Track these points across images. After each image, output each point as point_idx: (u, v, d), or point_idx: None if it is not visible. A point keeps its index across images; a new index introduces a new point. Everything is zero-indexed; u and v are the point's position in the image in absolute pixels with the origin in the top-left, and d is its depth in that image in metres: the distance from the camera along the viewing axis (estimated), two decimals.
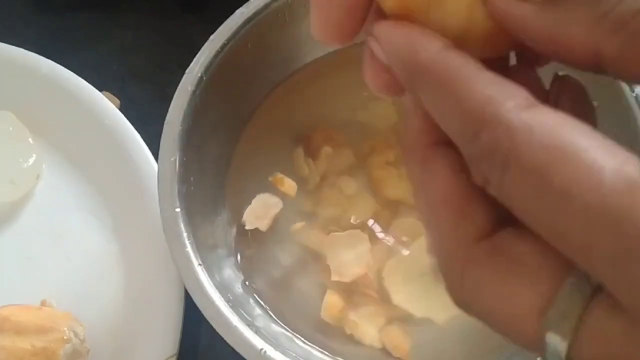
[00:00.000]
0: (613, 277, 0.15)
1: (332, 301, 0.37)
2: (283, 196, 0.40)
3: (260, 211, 0.40)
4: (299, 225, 0.40)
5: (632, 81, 0.18)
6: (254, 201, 0.40)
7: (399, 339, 0.37)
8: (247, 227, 0.39)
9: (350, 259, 0.38)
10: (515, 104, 0.16)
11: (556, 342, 0.16)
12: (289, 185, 0.39)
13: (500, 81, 0.17)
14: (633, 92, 0.36)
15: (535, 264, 0.17)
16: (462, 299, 0.19)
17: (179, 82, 0.37)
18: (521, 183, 0.16)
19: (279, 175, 0.40)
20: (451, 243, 0.19)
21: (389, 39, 0.19)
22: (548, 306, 0.16)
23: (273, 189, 0.40)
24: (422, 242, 0.38)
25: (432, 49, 0.18)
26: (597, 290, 0.16)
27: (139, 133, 0.43)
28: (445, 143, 0.19)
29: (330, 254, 0.38)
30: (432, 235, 0.19)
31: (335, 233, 0.39)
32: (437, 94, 0.18)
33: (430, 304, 0.37)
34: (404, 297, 0.37)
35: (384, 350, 0.37)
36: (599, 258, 0.15)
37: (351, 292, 0.38)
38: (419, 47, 0.18)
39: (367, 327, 0.37)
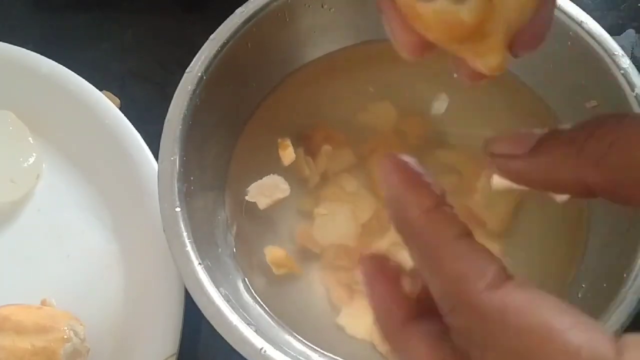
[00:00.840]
0: None
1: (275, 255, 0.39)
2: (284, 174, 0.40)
3: (267, 190, 0.40)
4: (298, 224, 0.40)
5: (625, 204, 0.20)
6: (265, 178, 0.40)
7: None
8: (247, 198, 0.39)
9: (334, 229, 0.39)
10: (486, 284, 0.17)
11: None
12: (289, 154, 0.40)
13: (473, 255, 0.18)
14: (633, 91, 0.36)
15: None
16: None
17: (179, 82, 0.37)
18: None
19: (287, 142, 0.40)
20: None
21: (386, 182, 0.20)
22: None
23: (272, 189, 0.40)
24: None
25: (418, 209, 0.19)
26: None
27: (139, 132, 0.43)
28: (419, 315, 0.20)
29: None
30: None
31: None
32: (419, 254, 0.20)
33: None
34: None
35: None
36: None
37: (351, 290, 0.38)
38: (409, 203, 0.20)
39: (360, 321, 0.37)
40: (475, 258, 0.18)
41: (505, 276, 0.18)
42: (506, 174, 0.21)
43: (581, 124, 0.20)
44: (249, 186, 0.40)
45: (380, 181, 0.21)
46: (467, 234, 0.19)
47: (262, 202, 0.39)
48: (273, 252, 0.39)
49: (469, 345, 0.18)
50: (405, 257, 0.39)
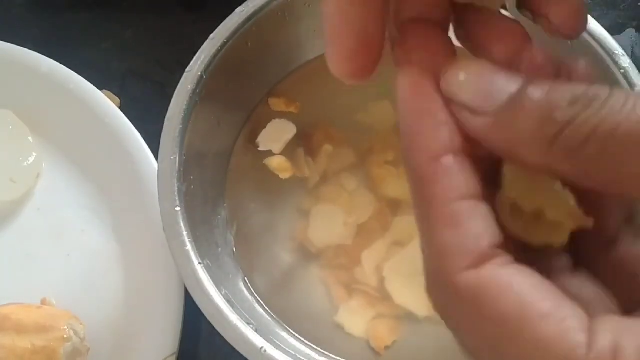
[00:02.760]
0: None
1: (276, 163, 0.40)
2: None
3: (274, 135, 0.40)
4: (298, 223, 0.40)
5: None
6: (269, 125, 0.41)
7: (382, 332, 0.37)
8: (260, 149, 0.40)
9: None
10: (468, 263, 0.16)
11: None
12: (284, 103, 0.41)
13: (468, 224, 0.17)
14: (633, 90, 0.36)
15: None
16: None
17: (179, 81, 0.37)
18: (475, 346, 0.17)
19: (283, 100, 0.41)
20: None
21: (402, 103, 0.18)
22: None
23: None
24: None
25: (426, 153, 0.17)
26: None
27: (139, 131, 0.43)
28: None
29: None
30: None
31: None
32: (416, 207, 0.18)
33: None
34: (405, 297, 0.37)
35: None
36: None
37: (350, 289, 0.38)
38: (418, 142, 0.17)
39: (357, 319, 0.37)
40: (468, 228, 0.17)
41: (492, 253, 0.16)
42: (462, 126, 0.18)
43: (562, 65, 0.18)
44: (249, 185, 0.40)
45: (397, 98, 0.18)
46: (475, 196, 0.17)
47: (276, 147, 0.40)
48: (274, 161, 0.40)
49: (444, 314, 0.17)
50: (404, 257, 0.39)
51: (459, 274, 0.16)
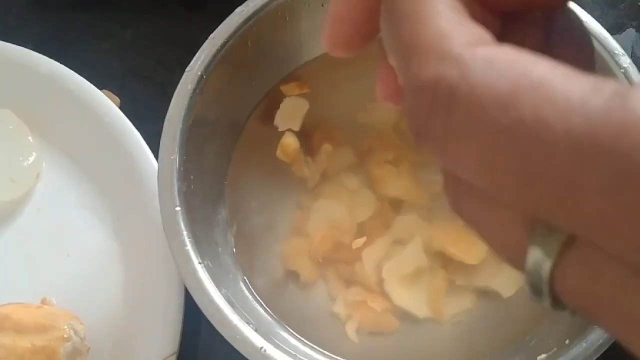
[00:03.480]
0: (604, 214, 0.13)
1: (288, 142, 0.40)
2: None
3: (289, 113, 0.41)
4: (298, 218, 0.40)
5: None
6: (282, 105, 0.42)
7: (378, 319, 0.37)
8: (280, 129, 0.41)
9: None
10: (468, 40, 0.14)
11: (539, 259, 0.15)
12: (297, 87, 0.42)
13: (460, 18, 0.15)
14: (621, 68, 0.36)
15: None
16: (453, 199, 0.17)
17: (179, 81, 0.37)
18: (474, 120, 0.14)
19: (295, 84, 0.42)
20: None
21: None
22: (537, 220, 0.15)
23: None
24: (421, 240, 0.38)
25: None
26: None
27: (139, 131, 0.43)
28: None
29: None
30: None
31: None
32: (396, 19, 0.16)
33: (430, 303, 0.37)
34: (404, 297, 0.37)
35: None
36: (587, 196, 0.13)
37: (348, 283, 0.38)
38: None
39: (354, 309, 0.37)
40: (464, 19, 0.15)
41: (494, 39, 0.15)
42: None
43: None
44: (248, 186, 0.40)
45: None
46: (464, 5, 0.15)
47: (295, 124, 0.41)
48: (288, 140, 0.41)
49: (428, 112, 0.14)
50: (405, 257, 0.39)
51: (464, 45, 0.14)
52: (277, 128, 0.42)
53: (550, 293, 0.15)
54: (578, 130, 0.13)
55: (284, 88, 0.43)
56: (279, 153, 0.41)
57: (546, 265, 0.15)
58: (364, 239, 0.38)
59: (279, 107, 0.43)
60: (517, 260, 0.16)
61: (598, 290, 0.14)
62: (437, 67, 0.14)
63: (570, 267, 0.14)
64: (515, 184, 0.14)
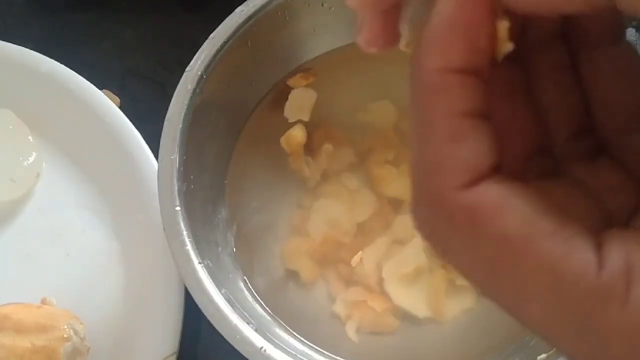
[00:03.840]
0: None
1: (295, 134, 0.40)
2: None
3: (298, 104, 0.41)
4: (298, 217, 0.40)
5: None
6: (290, 97, 0.42)
7: (379, 319, 0.37)
8: (290, 121, 0.41)
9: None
10: (464, 181, 0.15)
11: None
12: (302, 78, 0.42)
13: (467, 140, 0.15)
14: None
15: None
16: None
17: (179, 81, 0.37)
18: (467, 267, 0.16)
19: (300, 75, 0.42)
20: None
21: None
22: None
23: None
24: (420, 240, 0.38)
25: (436, 62, 0.16)
26: None
27: (139, 131, 0.43)
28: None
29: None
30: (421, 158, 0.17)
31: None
32: (412, 122, 0.17)
33: (430, 303, 0.37)
34: (404, 297, 0.37)
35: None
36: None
37: (348, 283, 0.38)
38: (430, 52, 0.16)
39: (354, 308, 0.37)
40: (471, 144, 0.15)
41: (490, 172, 0.15)
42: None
43: None
44: (248, 184, 0.40)
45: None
46: (477, 116, 0.16)
47: (304, 115, 0.41)
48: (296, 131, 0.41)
49: (429, 239, 0.17)
50: (404, 257, 0.39)
51: (457, 190, 0.15)
52: (277, 128, 0.42)
53: None
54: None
55: (290, 81, 0.43)
56: (282, 141, 0.41)
57: None
58: (359, 255, 0.39)
59: (278, 107, 0.43)
60: None
61: None
62: (429, 213, 0.16)
63: None
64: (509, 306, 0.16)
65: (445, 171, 0.15)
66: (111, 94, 0.47)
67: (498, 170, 0.16)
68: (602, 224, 0.16)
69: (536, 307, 0.15)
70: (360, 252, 0.38)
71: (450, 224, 0.15)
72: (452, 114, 0.16)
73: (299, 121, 0.42)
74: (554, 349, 0.33)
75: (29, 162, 0.44)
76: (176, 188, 0.35)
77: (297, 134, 0.41)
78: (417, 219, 0.17)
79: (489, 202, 0.15)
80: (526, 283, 0.14)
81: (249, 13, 0.39)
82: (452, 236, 0.16)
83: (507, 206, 0.15)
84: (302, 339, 0.37)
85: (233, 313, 0.33)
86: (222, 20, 0.39)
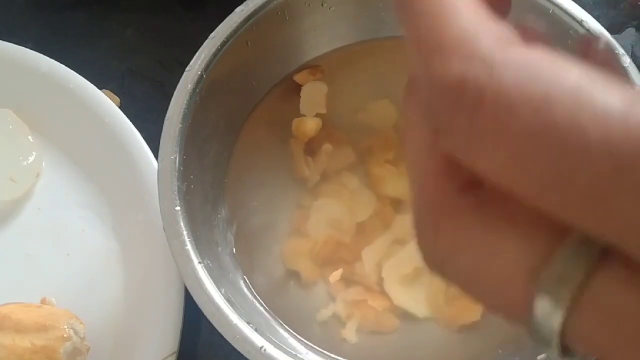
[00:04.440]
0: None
1: (310, 124, 0.41)
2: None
3: (313, 98, 0.41)
4: (298, 221, 0.40)
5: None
6: (302, 94, 0.42)
7: (379, 319, 0.37)
8: (308, 116, 0.42)
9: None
10: (497, 39, 0.14)
11: (548, 310, 0.14)
12: (309, 73, 0.42)
13: (485, 17, 0.15)
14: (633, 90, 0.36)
15: (530, 221, 0.14)
16: (435, 257, 0.16)
17: (179, 80, 0.37)
18: (503, 122, 0.13)
19: (308, 71, 0.43)
20: (430, 191, 0.16)
21: None
22: (542, 267, 0.14)
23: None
24: None
25: None
26: (605, 254, 0.14)
27: (139, 131, 0.43)
28: None
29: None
30: (412, 184, 0.17)
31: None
32: (413, 12, 0.15)
33: (430, 303, 0.37)
34: (404, 297, 0.37)
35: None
36: (621, 210, 0.12)
37: (348, 283, 0.38)
38: None
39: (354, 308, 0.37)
40: (489, 18, 0.14)
41: (522, 42, 0.14)
42: None
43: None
44: (248, 186, 0.40)
45: None
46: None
47: (321, 108, 0.42)
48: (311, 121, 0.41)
49: (451, 112, 0.14)
50: (404, 257, 0.39)
51: (493, 46, 0.14)
52: (277, 128, 0.42)
53: (560, 343, 0.14)
54: (618, 138, 0.12)
55: (297, 77, 0.43)
56: (294, 123, 0.41)
57: (557, 316, 0.14)
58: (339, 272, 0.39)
59: (278, 107, 0.43)
60: (518, 314, 0.15)
61: (624, 328, 0.13)
62: (463, 66, 0.14)
63: (586, 312, 0.14)
64: (544, 187, 0.13)
65: (476, 35, 0.14)
66: (111, 93, 0.47)
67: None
68: None
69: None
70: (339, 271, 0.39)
71: (492, 74, 0.14)
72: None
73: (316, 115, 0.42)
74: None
75: (29, 162, 0.44)
76: (176, 188, 0.35)
77: (311, 124, 0.41)
78: (433, 104, 0.15)
79: (535, 58, 0.14)
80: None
81: (249, 13, 0.39)
82: (496, 103, 0.14)
83: (556, 63, 0.13)
84: (302, 339, 0.37)
85: (233, 313, 0.33)
86: (222, 20, 0.39)
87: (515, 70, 0.13)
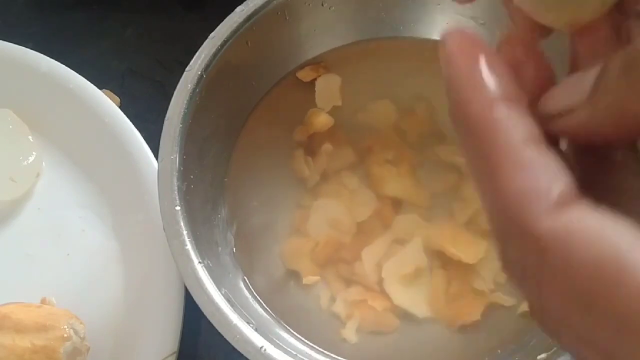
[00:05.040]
0: None
1: (324, 119, 0.41)
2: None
3: (327, 90, 0.42)
4: (298, 221, 0.40)
5: None
6: (317, 87, 0.42)
7: (379, 319, 0.37)
8: (325, 110, 0.42)
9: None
10: (549, 206, 0.14)
11: None
12: (311, 70, 0.42)
13: (540, 165, 0.15)
14: None
15: None
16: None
17: (179, 80, 0.37)
18: (562, 306, 0.14)
19: (310, 67, 0.43)
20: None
21: (448, 61, 0.17)
22: None
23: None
24: (420, 240, 0.38)
25: (483, 100, 0.16)
26: None
27: (139, 131, 0.43)
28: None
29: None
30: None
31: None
32: (474, 161, 0.16)
33: (430, 303, 0.37)
34: (404, 297, 0.37)
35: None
36: None
37: (348, 282, 0.38)
38: (473, 92, 0.16)
39: (354, 308, 0.37)
40: (541, 170, 0.15)
41: (575, 195, 0.15)
42: (569, 133, 0.17)
43: None
44: (248, 186, 0.40)
45: (442, 59, 0.17)
46: (537, 141, 0.15)
47: (338, 101, 0.42)
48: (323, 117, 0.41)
49: (522, 278, 0.15)
50: (404, 257, 0.39)
51: (542, 218, 0.14)
52: (277, 128, 0.42)
53: None
54: None
55: (300, 74, 0.43)
56: (308, 115, 0.42)
57: None
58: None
59: (278, 106, 0.43)
60: None
61: None
62: (520, 248, 0.15)
63: None
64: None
65: (525, 202, 0.15)
66: (111, 93, 0.47)
67: (577, 192, 0.15)
68: None
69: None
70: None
71: (541, 255, 0.15)
72: (513, 146, 0.15)
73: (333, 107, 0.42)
74: (554, 348, 0.33)
75: (29, 162, 0.44)
76: (176, 187, 0.35)
77: (324, 119, 0.41)
78: (506, 261, 0.16)
79: (580, 228, 0.14)
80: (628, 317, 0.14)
81: (249, 13, 0.39)
82: (543, 270, 0.15)
83: (602, 233, 0.14)
84: (302, 338, 0.37)
85: (233, 313, 0.33)
86: (222, 20, 0.39)
87: (565, 249, 0.14)
